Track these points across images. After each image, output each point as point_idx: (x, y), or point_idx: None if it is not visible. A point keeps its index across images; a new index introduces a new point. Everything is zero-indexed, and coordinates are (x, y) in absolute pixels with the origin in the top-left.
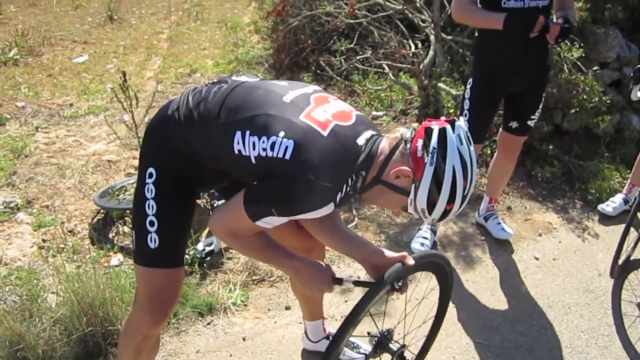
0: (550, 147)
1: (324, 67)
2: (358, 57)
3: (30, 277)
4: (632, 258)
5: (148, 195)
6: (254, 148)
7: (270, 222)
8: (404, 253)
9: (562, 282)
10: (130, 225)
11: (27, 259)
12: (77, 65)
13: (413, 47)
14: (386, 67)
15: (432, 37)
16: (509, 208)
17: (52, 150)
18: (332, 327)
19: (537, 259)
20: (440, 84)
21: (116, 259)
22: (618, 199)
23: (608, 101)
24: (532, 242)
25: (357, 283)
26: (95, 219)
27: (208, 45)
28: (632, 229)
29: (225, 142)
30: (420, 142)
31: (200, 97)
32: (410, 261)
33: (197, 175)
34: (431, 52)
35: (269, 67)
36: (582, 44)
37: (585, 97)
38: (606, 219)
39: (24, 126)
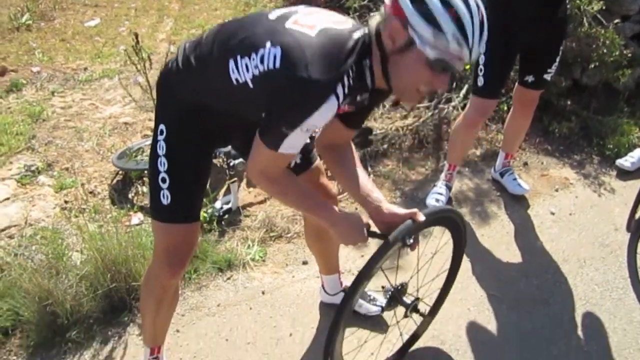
0: (569, 102)
1: None
2: (372, 14)
3: (54, 237)
4: None
5: (160, 152)
6: (247, 70)
7: (291, 144)
8: (415, 210)
9: (577, 236)
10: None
11: (51, 219)
12: (89, 29)
13: None
14: None
15: None
16: (525, 164)
17: (69, 114)
18: (348, 281)
19: (553, 214)
20: None
21: (136, 218)
22: (637, 153)
23: (629, 55)
24: (549, 197)
25: (373, 234)
26: (115, 180)
27: (219, 5)
28: None
29: (223, 75)
30: None
31: (196, 42)
32: (421, 217)
33: (208, 126)
34: None
35: None
36: None
37: (605, 51)
38: (624, 174)
39: (40, 91)
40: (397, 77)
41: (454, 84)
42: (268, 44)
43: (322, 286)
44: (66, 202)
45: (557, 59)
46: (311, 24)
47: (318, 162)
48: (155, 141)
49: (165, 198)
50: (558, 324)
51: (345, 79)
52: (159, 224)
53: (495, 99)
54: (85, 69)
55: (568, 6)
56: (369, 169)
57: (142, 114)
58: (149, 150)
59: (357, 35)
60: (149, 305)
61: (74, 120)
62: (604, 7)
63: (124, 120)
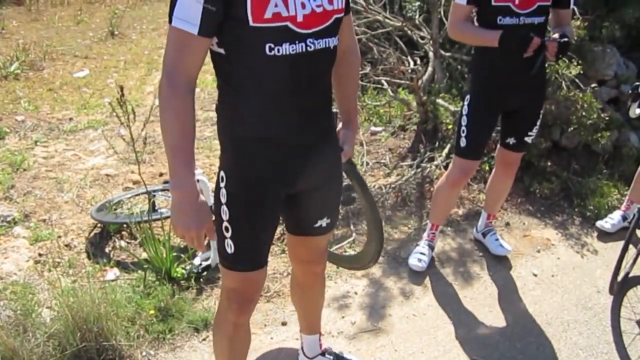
0: (549, 163)
1: None
2: None
3: (25, 292)
4: (631, 275)
5: (222, 200)
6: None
7: (181, 9)
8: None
9: (560, 298)
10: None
11: (23, 273)
12: (77, 80)
13: (412, 63)
14: (385, 83)
15: (430, 54)
16: (507, 224)
17: (50, 164)
18: (328, 343)
19: (535, 275)
20: (439, 100)
21: (112, 273)
22: (616, 215)
23: (607, 118)
24: (531, 258)
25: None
26: (92, 233)
27: (207, 60)
28: (630, 246)
29: (215, 58)
30: None
31: None
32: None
33: (264, 157)
34: (430, 69)
35: None
36: (580, 62)
37: (584, 114)
38: (605, 236)
39: (23, 140)
40: None
41: (437, 143)
42: None
43: (301, 348)
44: (40, 255)
45: (538, 122)
46: None
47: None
48: (218, 188)
49: (229, 247)
50: None
51: None
52: (224, 269)
53: (478, 160)
54: (71, 119)
55: (547, 70)
56: (352, 227)
57: (125, 166)
58: (129, 204)
59: None
60: (221, 345)
61: (55, 171)
62: (581, 72)
63: (106, 172)
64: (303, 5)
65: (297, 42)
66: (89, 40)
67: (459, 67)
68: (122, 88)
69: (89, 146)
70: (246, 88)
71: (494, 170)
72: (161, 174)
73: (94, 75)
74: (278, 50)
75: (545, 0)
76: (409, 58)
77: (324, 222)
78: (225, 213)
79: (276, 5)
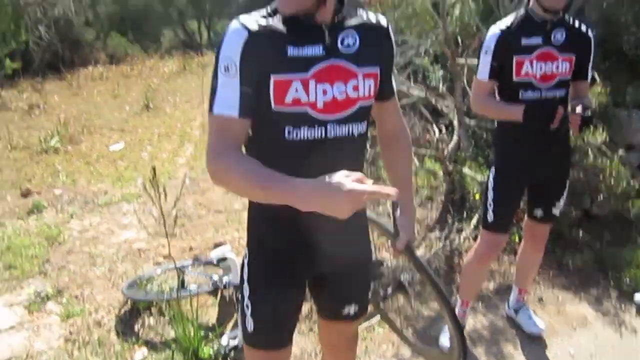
0: (581, 233)
1: None
2: None
3: None
4: None
5: (244, 276)
6: None
7: (221, 96)
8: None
9: None
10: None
11: (53, 352)
12: (113, 153)
13: (437, 131)
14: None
15: (455, 122)
16: (540, 299)
17: (85, 238)
18: None
19: (572, 355)
20: (465, 169)
21: (140, 352)
22: None
23: (636, 186)
24: (566, 336)
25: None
26: (122, 310)
27: None
28: None
29: None
30: None
31: None
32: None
33: (285, 236)
34: (455, 137)
35: None
36: (605, 128)
37: (612, 182)
38: None
39: (60, 213)
40: None
41: (465, 214)
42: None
43: None
44: (71, 332)
45: (565, 193)
46: None
47: None
48: (242, 265)
49: (249, 325)
50: None
51: (256, 14)
52: (247, 348)
53: (506, 234)
54: (106, 192)
55: (572, 138)
56: (380, 303)
57: (156, 239)
58: (159, 280)
59: None
60: None
61: (88, 245)
62: (607, 139)
63: (138, 246)
64: (324, 92)
65: (316, 126)
66: (125, 114)
67: (485, 134)
68: (154, 169)
69: (122, 219)
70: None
71: (522, 244)
72: (191, 248)
73: (129, 148)
74: (296, 134)
75: (565, 75)
76: (434, 126)
77: (352, 309)
78: (246, 290)
79: (296, 91)
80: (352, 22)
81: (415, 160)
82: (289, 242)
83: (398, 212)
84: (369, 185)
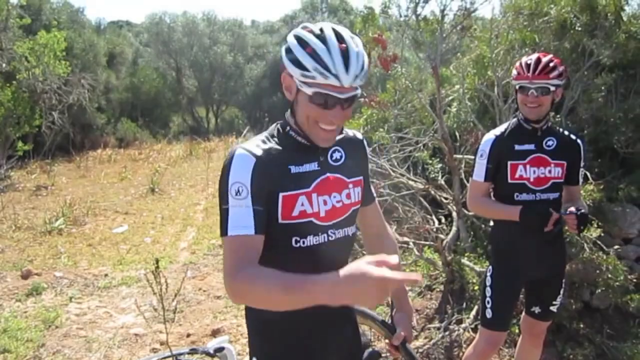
0: (581, 325)
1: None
2: None
3: None
4: None
5: None
6: None
7: (234, 220)
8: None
9: None
10: None
11: None
12: (116, 236)
13: (437, 222)
14: (410, 243)
15: (454, 214)
16: None
17: (82, 321)
18: None
19: None
20: (464, 260)
21: None
22: None
23: (634, 280)
24: None
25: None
26: None
27: None
28: None
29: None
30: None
31: None
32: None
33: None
34: (454, 228)
35: None
36: (599, 223)
37: (610, 276)
38: None
39: (59, 296)
40: (298, 117)
41: (464, 304)
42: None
43: None
44: None
45: (561, 291)
46: None
47: None
48: None
49: None
50: None
51: (257, 140)
52: None
53: (505, 331)
54: (106, 275)
55: (567, 235)
56: None
57: (154, 324)
58: None
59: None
60: None
61: (85, 329)
62: (602, 234)
63: (135, 331)
64: (325, 202)
65: (320, 233)
66: (130, 197)
67: (483, 226)
68: (157, 261)
69: (121, 303)
70: None
71: (520, 339)
72: (189, 335)
73: (132, 231)
74: (303, 242)
75: (558, 178)
76: (433, 217)
77: None
78: None
79: (302, 204)
80: (337, 137)
81: (415, 250)
82: (288, 345)
83: (394, 308)
84: (397, 273)
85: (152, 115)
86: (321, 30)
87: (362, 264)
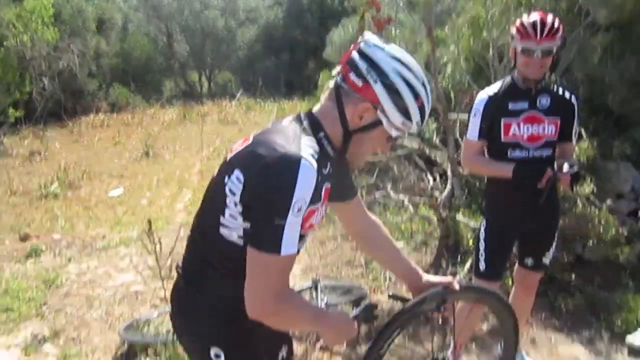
0: (573, 276)
1: None
2: (378, 192)
3: None
4: None
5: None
6: (235, 218)
7: (290, 238)
8: (450, 278)
9: None
10: None
11: None
12: (112, 199)
13: (432, 180)
14: (406, 201)
15: (449, 172)
16: (533, 340)
17: (82, 281)
18: None
19: None
20: (459, 216)
21: None
22: None
23: (625, 233)
24: None
25: (395, 297)
26: (119, 352)
27: None
28: None
29: (227, 244)
30: (352, 75)
31: (189, 239)
32: (456, 286)
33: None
34: (449, 186)
35: None
36: (593, 179)
37: (602, 230)
38: (636, 353)
39: (58, 257)
40: (359, 147)
41: (459, 258)
42: (226, 178)
43: None
44: None
45: (554, 244)
46: (243, 140)
47: None
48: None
49: None
50: None
51: (309, 148)
52: None
53: (498, 282)
54: (104, 236)
55: (560, 189)
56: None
57: (154, 282)
58: (156, 323)
59: (293, 121)
60: None
61: (86, 288)
62: (594, 190)
63: (135, 288)
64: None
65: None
66: (125, 161)
67: (477, 183)
68: (150, 222)
69: (120, 263)
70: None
71: (513, 289)
72: None
73: (128, 194)
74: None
75: (551, 136)
76: (428, 175)
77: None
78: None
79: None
80: None
81: (410, 207)
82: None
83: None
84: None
85: (144, 80)
86: (423, 83)
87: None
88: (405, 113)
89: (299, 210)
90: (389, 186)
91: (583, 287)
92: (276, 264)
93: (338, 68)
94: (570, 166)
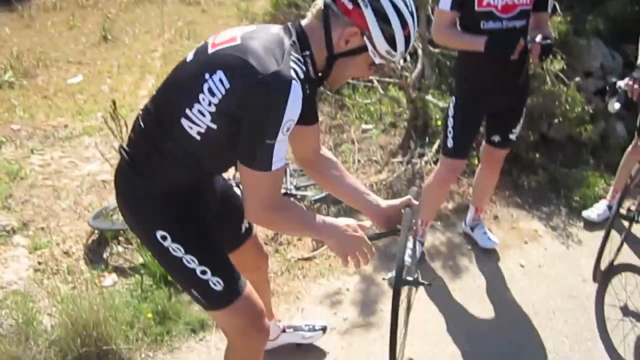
0: (537, 155)
1: None
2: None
3: (25, 300)
4: (615, 263)
5: (179, 254)
6: (203, 115)
7: (279, 154)
8: (408, 197)
9: (547, 288)
10: (180, 287)
11: (23, 282)
12: (71, 86)
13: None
14: (375, 81)
15: (419, 51)
16: (495, 217)
17: (47, 172)
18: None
19: (522, 266)
20: (429, 97)
21: (110, 279)
22: (602, 205)
23: (591, 111)
24: (518, 249)
25: (380, 235)
26: (90, 240)
27: None
28: (615, 234)
29: (185, 140)
30: None
31: (135, 137)
32: (414, 202)
33: (196, 203)
34: (419, 65)
35: None
36: (564, 56)
37: (568, 107)
38: (591, 226)
39: (19, 149)
40: (341, 72)
41: (427, 139)
42: (207, 76)
43: None
44: (40, 263)
45: (521, 120)
46: (230, 37)
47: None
48: (163, 250)
49: (218, 284)
50: None
51: (295, 65)
52: (226, 310)
53: (465, 159)
54: (66, 126)
55: (530, 66)
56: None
57: None
58: None
59: (282, 31)
60: None
61: (52, 179)
62: (565, 67)
63: (102, 177)
64: None
65: None
66: (82, 46)
67: (448, 63)
68: (114, 102)
69: (85, 153)
70: (193, 165)
71: (479, 167)
72: None
73: (88, 81)
74: None
75: (526, 5)
76: None
77: (246, 224)
78: (191, 261)
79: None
80: None
81: (380, 88)
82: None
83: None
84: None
85: None
86: (412, 12)
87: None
88: (391, 42)
89: (288, 129)
90: None
91: (546, 165)
92: (267, 179)
93: None
94: (544, 37)
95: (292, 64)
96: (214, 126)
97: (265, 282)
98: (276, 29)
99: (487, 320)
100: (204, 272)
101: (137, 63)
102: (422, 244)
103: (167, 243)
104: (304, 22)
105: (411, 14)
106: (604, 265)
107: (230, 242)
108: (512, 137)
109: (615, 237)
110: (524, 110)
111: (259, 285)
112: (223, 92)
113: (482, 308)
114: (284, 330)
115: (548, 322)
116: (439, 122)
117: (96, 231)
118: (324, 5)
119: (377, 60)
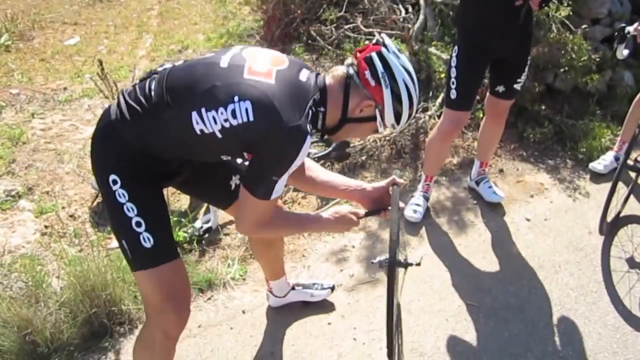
0: (542, 107)
1: (315, 37)
2: (348, 26)
3: (34, 264)
4: (622, 214)
5: (122, 200)
6: (215, 122)
7: (279, 188)
8: (392, 177)
9: (552, 241)
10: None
11: (31, 245)
12: (68, 48)
13: (403, 11)
14: (376, 34)
15: (422, 1)
16: (501, 170)
17: (49, 135)
18: (292, 279)
19: (528, 220)
20: (431, 49)
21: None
22: (609, 156)
23: (597, 59)
24: (524, 203)
25: (369, 213)
26: (95, 203)
27: (199, 20)
28: (621, 185)
29: (185, 126)
30: (367, 73)
31: (139, 93)
32: (400, 180)
33: (159, 168)
34: (421, 17)
35: (260, 39)
36: (570, 2)
37: (574, 56)
38: (597, 177)
39: (20, 113)
40: (347, 133)
41: (430, 93)
42: (236, 98)
43: (270, 292)
44: (46, 227)
45: (526, 70)
46: (266, 71)
47: None
48: (111, 193)
49: (147, 241)
50: (534, 330)
51: (311, 119)
52: (148, 271)
53: (468, 111)
54: (65, 88)
55: (535, 13)
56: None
57: None
58: None
59: (303, 77)
60: None
61: (54, 142)
62: (571, 13)
63: None
64: None
65: None
66: (77, 6)
67: (451, 13)
68: (101, 62)
69: (85, 115)
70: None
71: (484, 119)
72: None
73: (85, 42)
74: None
75: None
76: (400, 6)
77: (236, 181)
78: (131, 210)
79: None
80: None
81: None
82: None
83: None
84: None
85: None
86: (417, 93)
87: (348, 213)
88: (397, 117)
89: (292, 169)
90: (359, 20)
91: (552, 117)
92: (265, 205)
93: (352, 59)
94: None
95: (308, 117)
96: (219, 136)
97: (275, 244)
98: (305, 77)
99: (493, 274)
100: (138, 224)
101: (133, 22)
102: (427, 199)
103: (116, 187)
104: (327, 81)
105: (417, 96)
106: (610, 217)
107: (219, 198)
108: (517, 87)
109: (622, 189)
110: (529, 60)
111: (267, 240)
112: (245, 120)
113: (487, 262)
114: (293, 288)
115: (554, 275)
116: (443, 75)
117: (99, 195)
118: (346, 75)
119: (380, 130)
